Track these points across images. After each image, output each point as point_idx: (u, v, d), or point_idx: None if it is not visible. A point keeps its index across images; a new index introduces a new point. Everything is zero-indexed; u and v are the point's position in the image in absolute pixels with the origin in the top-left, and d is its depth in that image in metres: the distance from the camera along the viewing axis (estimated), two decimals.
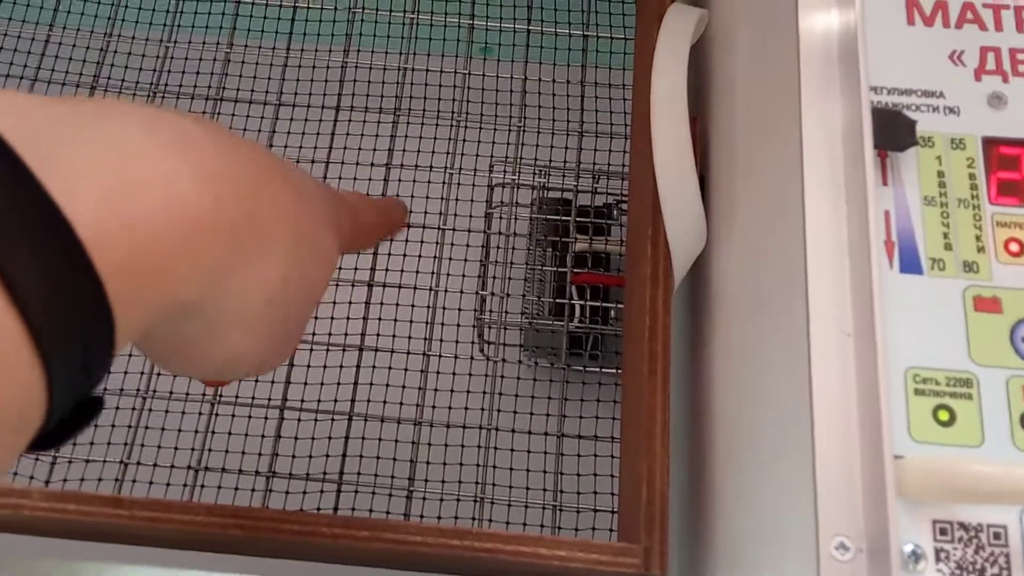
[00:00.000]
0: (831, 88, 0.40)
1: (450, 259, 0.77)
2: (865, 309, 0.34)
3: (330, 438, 0.73)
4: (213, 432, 0.72)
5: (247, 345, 0.32)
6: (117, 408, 0.74)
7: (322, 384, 0.76)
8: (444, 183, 0.78)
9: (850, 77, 0.38)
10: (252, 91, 0.84)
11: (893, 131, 0.37)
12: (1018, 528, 0.32)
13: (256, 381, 0.74)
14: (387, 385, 0.75)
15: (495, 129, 0.82)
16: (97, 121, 0.26)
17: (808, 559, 0.33)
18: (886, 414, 0.32)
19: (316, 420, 0.74)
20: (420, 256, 0.79)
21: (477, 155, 0.81)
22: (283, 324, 0.33)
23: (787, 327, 0.38)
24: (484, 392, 0.72)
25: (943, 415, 0.33)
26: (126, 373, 0.76)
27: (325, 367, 0.76)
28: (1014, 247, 0.36)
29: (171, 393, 0.75)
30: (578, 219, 0.80)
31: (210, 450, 0.71)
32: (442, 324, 0.75)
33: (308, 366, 0.77)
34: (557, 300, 0.78)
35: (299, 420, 0.74)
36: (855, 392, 0.35)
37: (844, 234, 0.37)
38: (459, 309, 0.76)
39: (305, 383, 0.76)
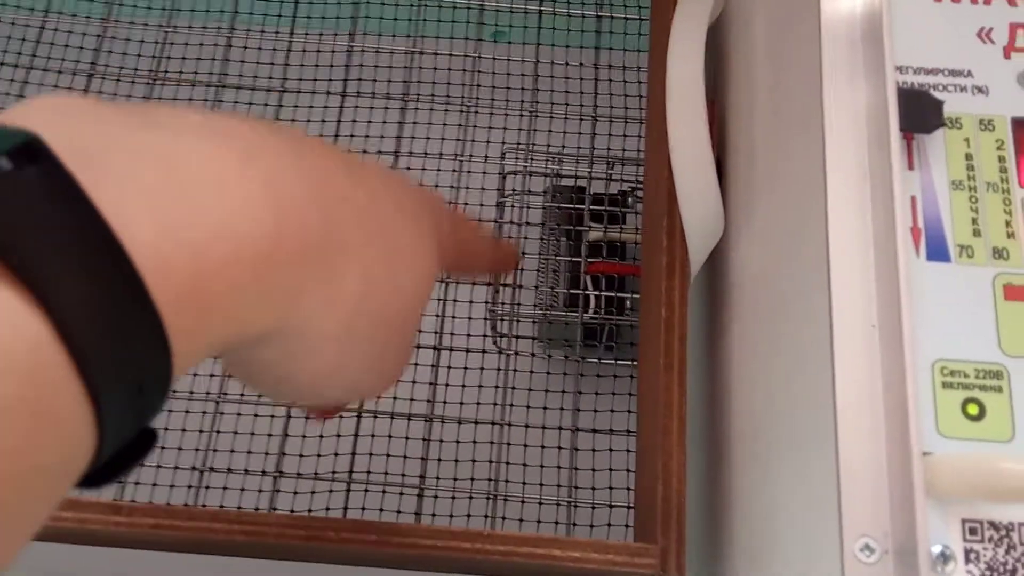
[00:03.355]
0: (855, 69, 0.38)
1: None
2: (891, 299, 0.33)
3: (339, 436, 0.72)
4: (218, 432, 0.71)
5: (334, 365, 0.30)
6: None
7: None
8: (454, 171, 0.77)
9: (875, 56, 0.37)
10: (255, 77, 0.83)
11: (919, 112, 0.36)
12: None
13: None
14: (396, 381, 0.73)
15: (506, 115, 0.80)
16: (154, 132, 0.24)
17: (832, 561, 0.32)
18: (913, 409, 0.30)
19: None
20: None
21: (488, 142, 0.80)
22: (375, 343, 0.31)
23: (809, 319, 0.37)
24: (497, 386, 0.71)
25: (972, 409, 0.32)
26: None
27: None
28: None
29: (174, 392, 0.73)
30: (592, 207, 0.78)
31: (215, 450, 0.70)
32: (453, 317, 0.74)
33: None
34: (571, 291, 0.76)
35: (306, 418, 0.72)
36: (880, 386, 0.33)
37: (869, 221, 0.35)
38: (470, 301, 0.75)
39: None
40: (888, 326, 0.33)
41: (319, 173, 0.28)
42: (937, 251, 0.34)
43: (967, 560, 0.30)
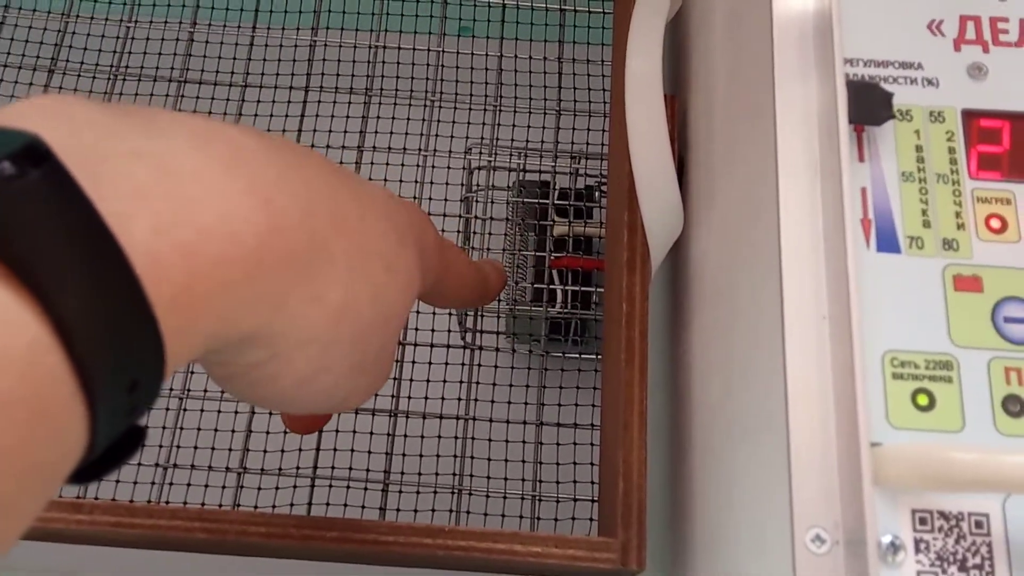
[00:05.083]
0: (806, 61, 0.38)
1: None
2: (841, 290, 0.33)
3: None
4: (182, 428, 0.71)
5: (316, 370, 0.30)
6: None
7: None
8: (418, 165, 0.76)
9: (824, 49, 0.37)
10: (217, 72, 0.82)
11: (869, 104, 0.36)
12: (1000, 517, 0.30)
13: None
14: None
15: (470, 109, 0.80)
16: (147, 133, 0.25)
17: (783, 552, 0.32)
18: (862, 400, 0.31)
19: None
20: None
21: (452, 136, 0.79)
22: (357, 346, 0.31)
23: (761, 311, 0.37)
24: (461, 381, 0.71)
25: (922, 400, 0.32)
26: None
27: None
28: (995, 223, 0.35)
29: None
30: (557, 202, 0.78)
31: (179, 447, 0.70)
32: (417, 312, 0.74)
33: None
34: (535, 285, 0.77)
35: (270, 414, 0.72)
36: (831, 377, 0.33)
37: (819, 213, 0.36)
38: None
39: None
40: (838, 317, 0.33)
41: (306, 180, 0.28)
42: (887, 242, 0.34)
43: (917, 550, 0.30)
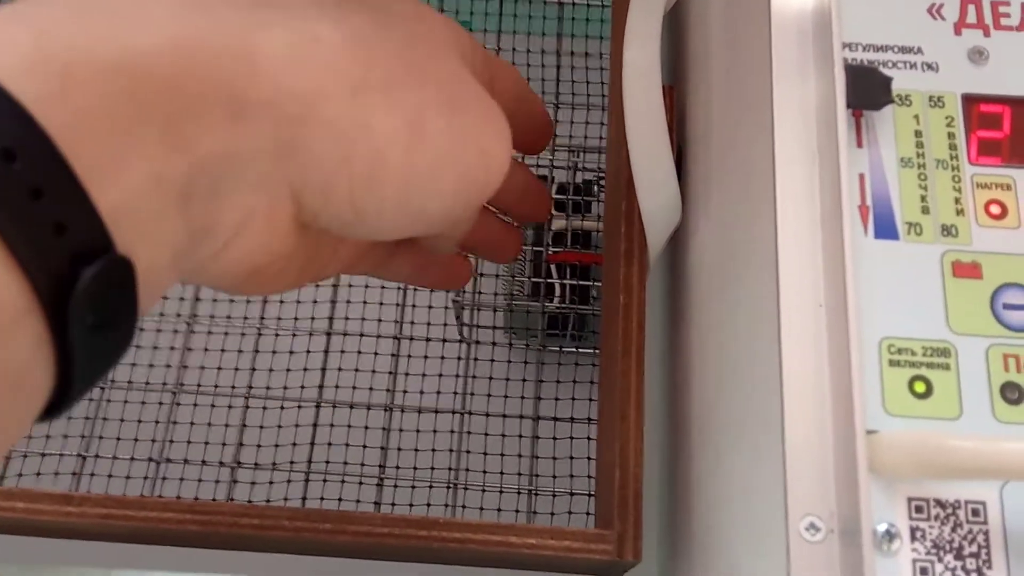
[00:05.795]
0: (804, 48, 0.38)
1: None
2: (837, 277, 0.32)
3: (297, 426, 0.71)
4: (175, 422, 0.71)
5: (410, 135, 0.28)
6: None
7: (288, 370, 0.73)
8: None
9: (823, 34, 0.36)
10: None
11: (868, 89, 0.35)
12: (998, 504, 0.30)
13: (219, 369, 0.73)
14: (356, 370, 0.72)
15: None
16: None
17: (777, 540, 0.31)
18: (858, 386, 0.30)
19: (282, 408, 0.72)
20: None
21: None
22: (412, 78, 0.29)
23: (758, 300, 0.37)
24: (457, 376, 0.71)
25: (919, 387, 0.32)
26: None
27: (291, 353, 0.74)
28: (995, 209, 0.34)
29: (130, 383, 0.73)
30: (555, 196, 0.78)
31: (172, 441, 0.70)
32: (413, 306, 0.73)
33: (273, 352, 0.75)
34: (532, 279, 0.76)
35: (264, 408, 0.72)
36: (827, 365, 0.33)
37: (817, 200, 0.35)
38: (431, 290, 0.75)
39: (271, 370, 0.74)
40: (835, 304, 0.33)
41: None
42: (885, 228, 0.34)
43: (913, 538, 0.30)
